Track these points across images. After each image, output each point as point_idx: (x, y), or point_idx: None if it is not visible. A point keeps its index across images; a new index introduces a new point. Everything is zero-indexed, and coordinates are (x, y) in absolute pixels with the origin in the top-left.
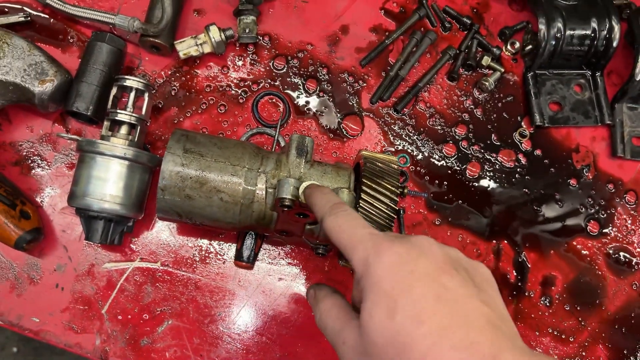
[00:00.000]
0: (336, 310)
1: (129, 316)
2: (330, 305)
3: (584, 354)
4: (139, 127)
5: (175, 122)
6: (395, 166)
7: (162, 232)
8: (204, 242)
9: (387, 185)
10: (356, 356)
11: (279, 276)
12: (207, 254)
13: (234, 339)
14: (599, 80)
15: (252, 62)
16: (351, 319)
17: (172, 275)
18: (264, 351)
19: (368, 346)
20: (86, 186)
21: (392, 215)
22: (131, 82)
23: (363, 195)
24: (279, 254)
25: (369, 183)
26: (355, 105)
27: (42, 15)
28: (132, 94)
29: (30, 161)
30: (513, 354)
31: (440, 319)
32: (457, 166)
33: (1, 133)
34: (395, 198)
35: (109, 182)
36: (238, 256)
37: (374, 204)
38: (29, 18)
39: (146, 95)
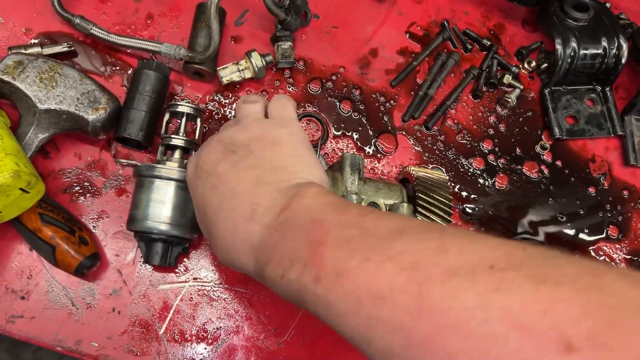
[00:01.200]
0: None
1: (187, 336)
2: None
3: None
4: (192, 152)
5: None
6: (445, 178)
7: (212, 251)
8: None
9: (441, 198)
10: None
11: None
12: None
13: (290, 353)
14: (608, 94)
15: (289, 85)
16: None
17: (226, 293)
18: None
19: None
20: (145, 209)
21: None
22: (183, 107)
23: (419, 209)
24: None
25: (423, 197)
26: (388, 123)
27: (85, 44)
28: (184, 119)
29: (79, 187)
30: (268, 200)
31: (215, 204)
32: (486, 179)
33: (50, 161)
34: (449, 210)
35: (167, 205)
36: None
37: (430, 216)
38: (72, 47)
39: (198, 120)
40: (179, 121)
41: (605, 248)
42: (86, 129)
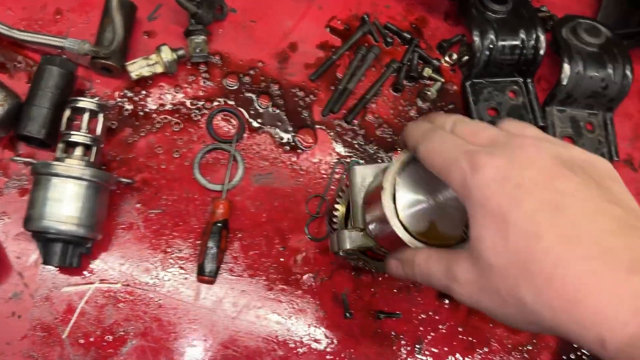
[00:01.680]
0: (435, 254)
1: (91, 339)
2: (427, 253)
3: (534, 341)
4: (94, 148)
5: (130, 142)
6: None
7: (121, 251)
8: (165, 260)
9: None
10: (475, 288)
11: (242, 289)
12: (168, 272)
13: (199, 354)
14: (530, 86)
15: (205, 80)
16: (456, 254)
17: (134, 294)
18: None
19: (485, 273)
20: (42, 208)
21: None
22: (85, 103)
23: None
24: (241, 267)
25: None
26: (307, 118)
27: None
28: (86, 115)
29: None
30: None
31: (561, 229)
32: None
33: None
34: None
35: (66, 204)
36: (200, 271)
37: None
38: None
39: (100, 116)
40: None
41: None
42: None
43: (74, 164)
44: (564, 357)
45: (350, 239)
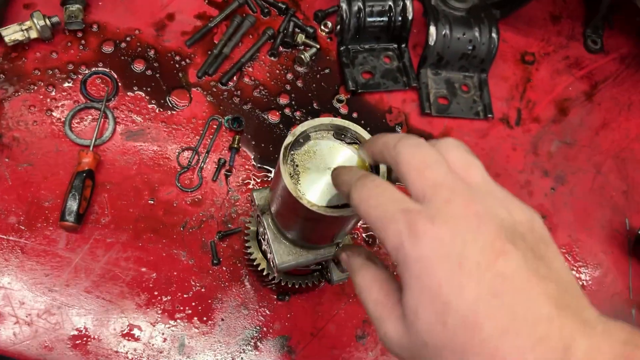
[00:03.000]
0: (376, 289)
1: None
2: (370, 281)
3: None
4: None
5: (4, 102)
6: None
7: None
8: (30, 210)
9: None
10: (403, 352)
11: (109, 238)
12: (34, 219)
13: (65, 299)
14: (404, 51)
15: (82, 47)
16: (394, 306)
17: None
18: (97, 309)
19: (418, 346)
20: None
21: None
22: None
23: None
24: (108, 218)
25: None
26: (182, 80)
27: None
28: None
29: None
30: (584, 336)
31: (499, 320)
32: (282, 130)
33: None
34: None
35: None
36: (62, 217)
37: None
38: None
39: None
40: None
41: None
42: None
43: None
44: None
45: (278, 254)
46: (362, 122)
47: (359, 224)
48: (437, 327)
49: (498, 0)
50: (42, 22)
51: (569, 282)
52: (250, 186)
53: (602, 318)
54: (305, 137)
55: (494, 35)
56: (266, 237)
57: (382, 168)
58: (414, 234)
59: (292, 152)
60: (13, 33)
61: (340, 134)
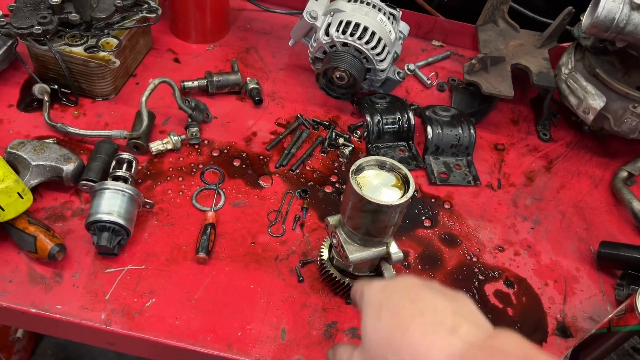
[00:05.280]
0: (349, 346)
1: (124, 299)
2: (344, 345)
3: None
4: (130, 179)
5: (151, 188)
6: None
7: (143, 246)
8: (173, 250)
9: None
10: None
11: (227, 268)
12: (176, 257)
13: (198, 306)
14: (412, 145)
15: (199, 153)
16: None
17: (154, 271)
18: (222, 312)
19: (367, 348)
20: (97, 208)
21: None
22: (124, 155)
23: None
24: (225, 254)
25: None
26: (265, 170)
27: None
28: (125, 164)
29: (55, 217)
30: (470, 327)
31: (412, 311)
32: (336, 198)
33: (37, 203)
34: None
35: (112, 203)
36: (196, 252)
37: None
38: (56, 141)
39: (133, 163)
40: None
41: (422, 233)
42: (61, 175)
43: (119, 184)
44: None
45: (350, 251)
46: None
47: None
48: (375, 324)
49: (470, 111)
50: (175, 139)
51: (476, 315)
52: (316, 231)
53: (492, 326)
54: (361, 168)
55: (472, 131)
56: (340, 243)
57: (412, 188)
58: (369, 284)
59: (355, 176)
60: (157, 146)
61: (382, 166)
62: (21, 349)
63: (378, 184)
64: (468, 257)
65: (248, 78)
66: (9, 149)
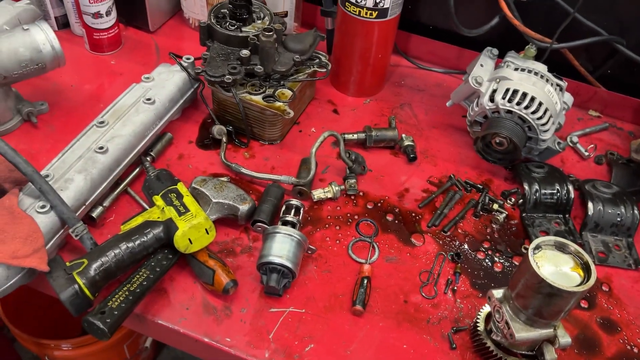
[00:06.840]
0: None
1: (286, 340)
2: None
3: None
4: (298, 225)
5: (311, 234)
6: None
7: (304, 290)
8: (331, 297)
9: None
10: None
11: (380, 323)
12: (333, 305)
13: (356, 357)
14: (568, 219)
15: (354, 204)
16: None
17: (312, 317)
18: None
19: None
20: (269, 250)
21: None
22: (294, 202)
23: None
24: (378, 309)
25: None
26: (417, 228)
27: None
28: (294, 209)
29: (226, 251)
30: None
31: None
32: (488, 264)
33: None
34: None
35: (282, 247)
36: (353, 304)
37: None
38: (230, 180)
39: (301, 210)
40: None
41: (578, 314)
42: (236, 214)
43: (289, 229)
44: None
45: (516, 329)
46: None
47: None
48: None
49: (632, 190)
50: (336, 189)
51: None
52: (469, 298)
53: None
54: (538, 247)
55: (636, 212)
56: (504, 319)
57: (593, 276)
58: None
59: (533, 254)
60: (319, 194)
61: (560, 247)
62: (146, 357)
63: (556, 267)
64: (629, 347)
65: (403, 135)
66: (193, 185)
